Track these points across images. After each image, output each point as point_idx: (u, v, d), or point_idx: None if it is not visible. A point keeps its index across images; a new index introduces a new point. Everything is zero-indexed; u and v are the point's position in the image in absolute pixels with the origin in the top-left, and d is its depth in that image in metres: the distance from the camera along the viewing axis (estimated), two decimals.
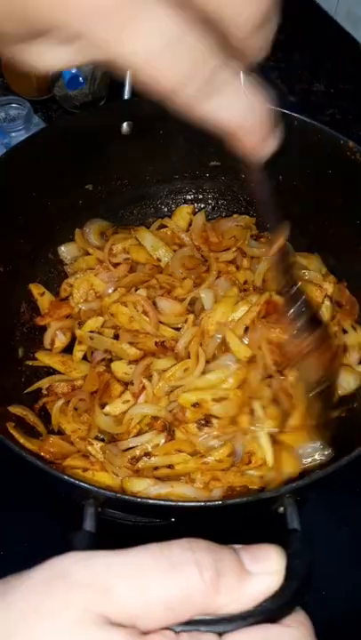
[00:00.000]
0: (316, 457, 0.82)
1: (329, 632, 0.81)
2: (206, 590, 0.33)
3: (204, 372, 0.90)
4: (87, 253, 1.07)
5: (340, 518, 0.92)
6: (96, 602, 0.32)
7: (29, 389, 0.94)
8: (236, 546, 0.37)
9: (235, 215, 1.13)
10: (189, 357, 0.91)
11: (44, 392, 0.94)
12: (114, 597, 0.32)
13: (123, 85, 1.04)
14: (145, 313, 0.96)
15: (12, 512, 0.90)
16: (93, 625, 0.32)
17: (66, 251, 1.07)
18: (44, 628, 0.32)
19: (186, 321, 0.96)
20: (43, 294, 1.02)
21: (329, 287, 0.99)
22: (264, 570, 0.36)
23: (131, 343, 0.94)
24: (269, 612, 0.35)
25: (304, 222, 1.08)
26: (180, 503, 0.64)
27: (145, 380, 0.90)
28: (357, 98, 1.44)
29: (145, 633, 0.33)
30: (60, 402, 0.90)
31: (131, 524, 0.78)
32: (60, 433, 0.90)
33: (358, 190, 0.97)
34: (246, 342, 0.91)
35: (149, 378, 0.91)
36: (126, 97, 1.04)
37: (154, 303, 0.98)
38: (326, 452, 0.82)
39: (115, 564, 0.34)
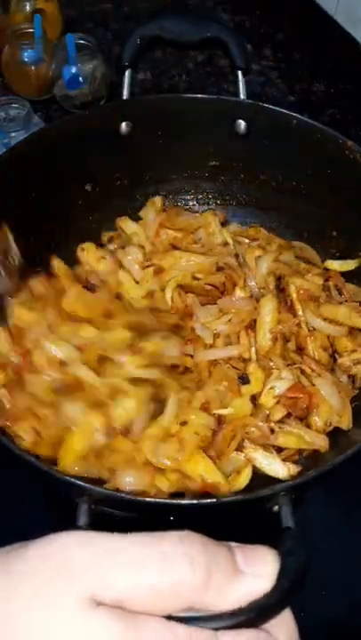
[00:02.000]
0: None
1: (329, 632, 0.81)
2: (196, 586, 0.33)
3: None
4: None
5: (340, 516, 0.92)
6: (91, 585, 0.33)
7: None
8: (232, 544, 0.37)
9: None
10: None
11: None
12: (107, 580, 0.33)
13: (123, 85, 1.04)
14: None
15: (11, 509, 0.90)
16: (88, 609, 0.32)
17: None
18: (42, 614, 0.32)
19: None
20: None
21: None
22: (257, 572, 0.36)
23: None
24: (260, 609, 0.35)
25: (305, 222, 1.09)
26: (174, 501, 0.64)
27: None
28: (357, 98, 1.44)
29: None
30: None
31: (128, 518, 0.78)
32: None
33: (358, 190, 0.98)
34: None
35: None
36: (126, 97, 1.04)
37: None
38: None
39: (113, 547, 0.34)
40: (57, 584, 0.33)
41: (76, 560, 0.33)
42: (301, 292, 0.94)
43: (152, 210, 1.09)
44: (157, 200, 1.11)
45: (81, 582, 0.33)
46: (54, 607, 0.32)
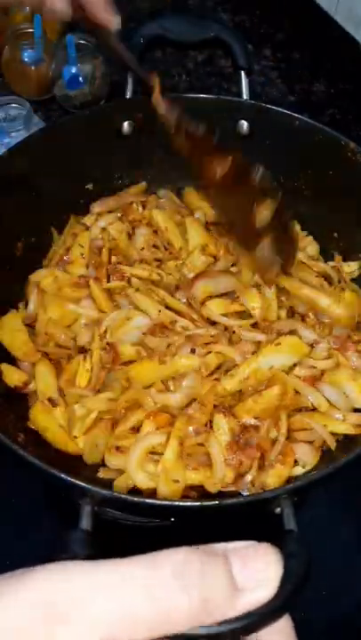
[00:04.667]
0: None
1: (329, 632, 0.81)
2: (193, 614, 0.32)
3: None
4: None
5: (341, 517, 0.92)
6: (78, 629, 0.31)
7: None
8: (230, 546, 0.35)
9: None
10: None
11: None
12: (94, 615, 0.31)
13: (126, 85, 1.04)
14: None
15: (11, 509, 0.90)
16: None
17: None
18: None
19: None
20: None
21: None
22: (257, 581, 0.34)
23: None
24: (262, 615, 0.34)
25: (305, 223, 1.09)
26: (176, 503, 0.64)
27: None
28: (357, 98, 1.44)
29: None
30: None
31: (130, 524, 0.78)
32: None
33: (360, 192, 0.97)
34: None
35: None
36: (129, 96, 1.04)
37: None
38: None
39: (97, 580, 0.32)
40: (41, 632, 0.30)
41: (58, 605, 0.31)
42: None
43: None
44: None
45: (68, 627, 0.30)
46: None
